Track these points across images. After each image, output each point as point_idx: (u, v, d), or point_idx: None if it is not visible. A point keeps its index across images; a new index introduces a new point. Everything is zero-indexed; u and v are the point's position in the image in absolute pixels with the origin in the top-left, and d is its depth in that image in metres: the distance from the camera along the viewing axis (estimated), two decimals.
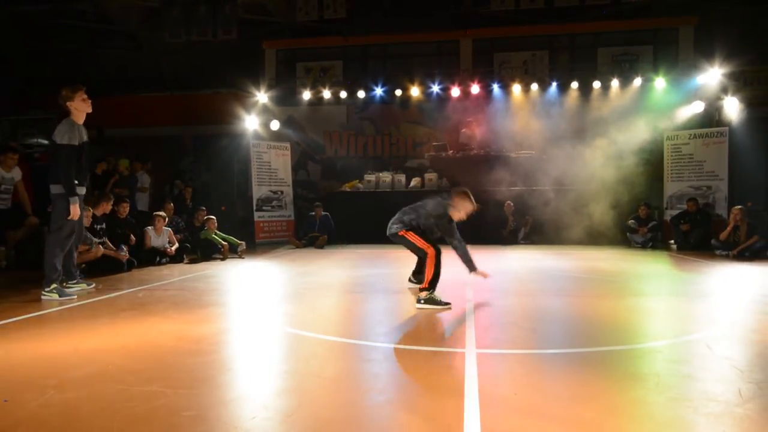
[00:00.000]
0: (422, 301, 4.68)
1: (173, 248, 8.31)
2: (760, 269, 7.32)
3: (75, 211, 5.17)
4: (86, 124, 5.39)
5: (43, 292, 5.10)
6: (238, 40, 14.30)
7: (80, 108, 5.27)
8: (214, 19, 14.48)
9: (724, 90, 11.39)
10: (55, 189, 5.16)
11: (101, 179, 9.49)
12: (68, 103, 5.22)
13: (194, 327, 4.03)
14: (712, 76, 11.25)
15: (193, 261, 8.44)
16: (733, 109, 11.32)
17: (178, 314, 4.49)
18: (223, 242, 8.88)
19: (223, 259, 8.68)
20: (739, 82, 11.62)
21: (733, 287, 6.15)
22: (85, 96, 5.28)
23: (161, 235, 8.33)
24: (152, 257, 8.07)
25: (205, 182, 13.23)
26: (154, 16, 13.62)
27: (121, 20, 14.08)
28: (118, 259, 7.16)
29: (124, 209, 7.94)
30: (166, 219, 8.53)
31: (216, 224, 9.14)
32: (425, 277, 4.80)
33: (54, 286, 5.13)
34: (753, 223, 8.89)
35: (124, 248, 7.38)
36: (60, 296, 5.10)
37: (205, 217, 9.20)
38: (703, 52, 11.76)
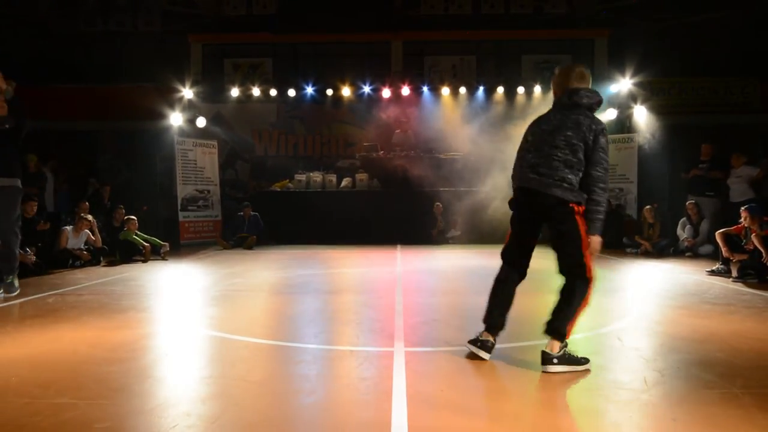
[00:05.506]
0: (555, 361, 2.88)
1: (98, 243, 7.81)
2: (665, 265, 7.92)
3: None
4: None
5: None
6: (161, 32, 13.65)
7: None
8: (134, 8, 13.78)
9: (634, 99, 12.24)
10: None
11: None
12: None
13: (111, 333, 3.81)
14: (624, 85, 12.06)
15: (111, 263, 7.96)
16: (641, 116, 12.20)
17: (93, 320, 4.23)
18: (144, 243, 8.46)
19: (144, 261, 8.27)
20: (646, 92, 12.51)
21: (641, 282, 6.62)
22: None
23: (79, 237, 7.84)
24: (64, 260, 7.53)
25: (125, 181, 12.53)
26: (67, 3, 12.74)
27: (29, 5, 13.04)
28: (24, 262, 6.62)
29: (32, 208, 7.37)
30: (91, 223, 8.09)
31: (137, 225, 8.70)
32: (569, 318, 3.00)
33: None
34: (663, 222, 9.64)
35: (29, 250, 6.84)
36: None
37: (125, 218, 8.74)
38: (616, 63, 12.58)
